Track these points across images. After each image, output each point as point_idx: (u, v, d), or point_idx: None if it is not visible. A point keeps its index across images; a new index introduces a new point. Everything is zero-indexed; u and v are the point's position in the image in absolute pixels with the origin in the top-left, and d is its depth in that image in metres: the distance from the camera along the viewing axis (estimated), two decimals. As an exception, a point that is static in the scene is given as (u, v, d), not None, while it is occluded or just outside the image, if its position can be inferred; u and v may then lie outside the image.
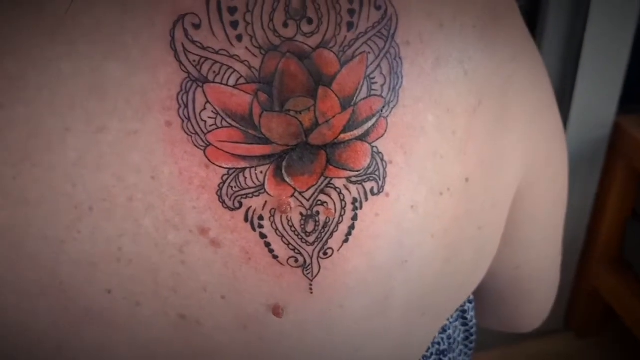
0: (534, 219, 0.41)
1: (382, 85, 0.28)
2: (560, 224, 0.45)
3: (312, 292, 0.31)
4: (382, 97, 0.28)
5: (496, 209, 0.36)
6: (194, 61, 0.27)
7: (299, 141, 0.28)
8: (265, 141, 0.28)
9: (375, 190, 0.30)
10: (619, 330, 1.55)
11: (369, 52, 0.28)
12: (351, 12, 0.28)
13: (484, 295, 0.48)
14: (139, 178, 0.27)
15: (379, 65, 0.28)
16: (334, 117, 0.28)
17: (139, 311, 0.30)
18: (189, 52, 0.27)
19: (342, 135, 0.28)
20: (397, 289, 0.33)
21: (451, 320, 0.50)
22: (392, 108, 0.29)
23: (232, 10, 0.27)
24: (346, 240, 0.30)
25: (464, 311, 0.52)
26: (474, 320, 0.54)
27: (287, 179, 0.28)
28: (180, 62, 0.27)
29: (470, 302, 0.53)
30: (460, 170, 0.32)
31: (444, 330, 0.49)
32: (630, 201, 1.47)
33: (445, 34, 0.30)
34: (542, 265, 0.46)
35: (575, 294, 1.60)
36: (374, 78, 0.28)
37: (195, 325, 0.31)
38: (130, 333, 0.31)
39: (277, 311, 0.31)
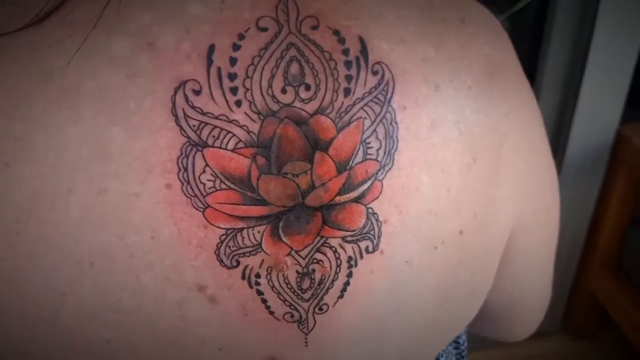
0: (526, 258, 0.41)
1: (377, 150, 0.29)
2: (551, 256, 0.46)
3: (307, 345, 0.31)
4: (378, 160, 0.29)
5: (488, 255, 0.36)
6: (194, 126, 0.27)
7: (296, 202, 0.28)
8: (263, 202, 0.28)
9: (370, 249, 0.30)
10: (615, 333, 1.56)
11: (365, 118, 0.28)
12: (348, 78, 0.28)
13: (479, 314, 0.50)
14: (139, 237, 0.28)
15: (375, 130, 0.29)
16: (330, 180, 0.28)
17: None
18: (189, 117, 0.27)
19: (337, 198, 0.29)
20: (391, 337, 0.34)
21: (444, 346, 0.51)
22: (387, 171, 0.29)
23: (232, 77, 0.27)
24: (341, 296, 0.31)
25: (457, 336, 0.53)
26: (466, 343, 0.55)
27: (284, 239, 0.29)
28: (181, 127, 0.27)
29: None
30: (455, 224, 0.32)
31: (436, 359, 0.50)
32: (631, 209, 1.47)
33: (441, 96, 0.30)
34: (533, 294, 0.47)
35: (573, 297, 1.60)
36: (369, 142, 0.29)
37: None
38: None
39: None
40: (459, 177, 0.31)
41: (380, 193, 0.29)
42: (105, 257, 0.28)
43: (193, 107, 0.27)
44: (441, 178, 0.31)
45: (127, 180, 0.27)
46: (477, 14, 0.33)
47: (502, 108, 0.33)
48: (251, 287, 0.29)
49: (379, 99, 0.29)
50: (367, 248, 0.30)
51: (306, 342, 0.31)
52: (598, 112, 1.34)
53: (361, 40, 0.29)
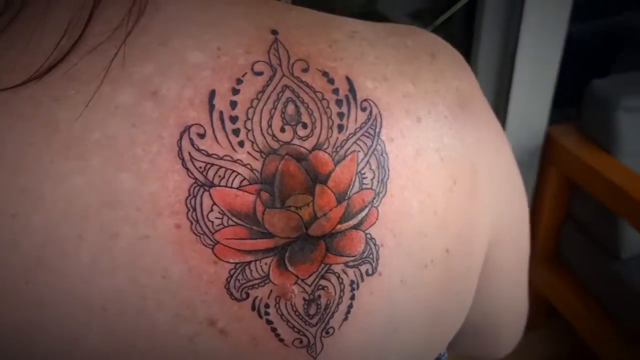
0: (501, 270, 0.44)
1: (372, 179, 0.31)
2: (525, 269, 0.48)
3: None
4: (373, 189, 0.31)
5: (470, 272, 0.38)
6: (200, 167, 0.28)
7: (300, 233, 0.30)
8: (269, 235, 0.30)
9: (370, 272, 0.32)
10: (562, 324, 1.63)
11: (359, 151, 0.30)
12: (340, 115, 0.30)
13: (459, 331, 0.52)
14: (151, 279, 0.29)
15: (368, 161, 0.31)
16: (330, 210, 0.30)
17: None
18: (195, 159, 0.28)
19: (338, 226, 0.30)
20: (390, 356, 0.35)
21: None
22: (382, 198, 0.31)
23: (234, 119, 0.29)
24: (345, 319, 0.32)
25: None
26: (446, 354, 0.57)
27: (290, 268, 0.30)
28: (188, 169, 0.28)
29: None
30: (442, 243, 0.34)
31: None
32: (564, 206, 1.55)
33: (422, 127, 0.32)
34: (509, 308, 0.49)
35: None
36: (364, 173, 0.30)
37: None
38: None
39: None
40: (443, 199, 0.34)
41: (377, 219, 0.31)
42: (117, 301, 0.29)
43: (199, 150, 0.28)
44: (428, 201, 0.33)
45: (137, 224, 0.28)
46: (444, 50, 0.36)
47: (474, 134, 0.36)
48: (261, 317, 0.31)
49: (369, 133, 0.31)
50: (367, 271, 0.32)
51: None
52: (527, 116, 1.42)
53: (348, 80, 0.31)
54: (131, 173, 0.28)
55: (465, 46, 1.37)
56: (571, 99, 1.56)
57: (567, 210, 1.56)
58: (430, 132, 0.33)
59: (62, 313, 0.28)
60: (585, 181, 1.43)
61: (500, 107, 1.38)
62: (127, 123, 0.28)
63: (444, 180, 0.33)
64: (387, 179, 0.31)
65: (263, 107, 0.29)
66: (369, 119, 0.31)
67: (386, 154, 0.31)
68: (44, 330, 0.29)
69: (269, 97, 0.29)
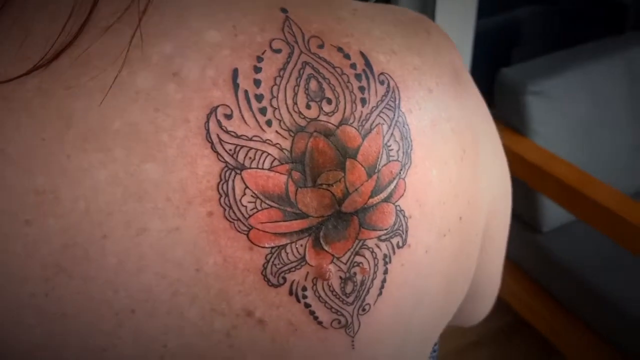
0: (492, 241, 0.45)
1: (397, 151, 0.30)
2: (505, 242, 0.50)
3: (354, 348, 0.32)
4: (399, 160, 0.31)
5: (477, 238, 0.39)
6: (230, 150, 0.27)
7: (333, 211, 0.29)
8: (303, 216, 0.29)
9: (400, 244, 0.31)
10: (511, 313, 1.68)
11: (383, 123, 0.30)
12: (362, 89, 0.30)
13: None
14: (182, 272, 0.27)
15: (392, 133, 0.30)
16: (362, 185, 0.29)
17: None
18: (225, 142, 0.27)
19: (370, 200, 0.30)
20: (414, 327, 0.35)
21: None
22: (407, 169, 0.31)
23: (259, 98, 0.28)
24: (380, 294, 0.31)
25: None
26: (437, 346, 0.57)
27: (326, 247, 0.29)
28: (218, 153, 0.27)
29: None
30: (457, 211, 0.34)
31: None
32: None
33: (434, 98, 0.33)
34: (491, 279, 0.50)
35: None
36: (390, 145, 0.30)
37: None
38: None
39: None
40: (455, 167, 0.34)
41: (405, 190, 0.31)
42: (146, 301, 0.27)
43: (227, 132, 0.27)
44: (445, 170, 0.33)
45: (166, 216, 0.27)
46: (435, 27, 0.36)
47: (470, 106, 0.36)
48: (299, 301, 0.30)
49: (390, 106, 0.30)
50: (397, 243, 0.31)
51: (353, 345, 0.32)
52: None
53: (362, 55, 0.30)
54: (157, 161, 0.26)
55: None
56: (481, 90, 1.63)
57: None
58: (440, 102, 0.33)
59: (87, 323, 0.26)
60: (505, 163, 1.50)
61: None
62: (149, 108, 0.26)
63: (454, 149, 0.34)
64: (411, 150, 0.31)
65: (286, 84, 0.28)
66: (388, 92, 0.31)
67: (407, 125, 0.31)
68: (66, 344, 0.26)
69: (290, 74, 0.28)
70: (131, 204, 0.26)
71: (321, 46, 0.30)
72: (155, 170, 0.26)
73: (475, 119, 0.37)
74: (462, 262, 0.37)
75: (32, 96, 0.26)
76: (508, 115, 1.57)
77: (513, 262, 1.65)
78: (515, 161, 1.45)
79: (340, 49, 0.30)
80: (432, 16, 1.33)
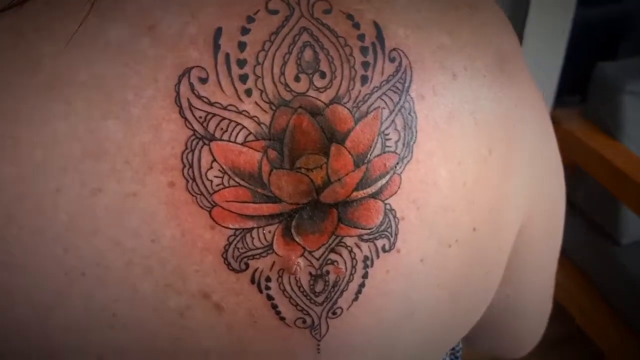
0: (532, 252, 0.39)
1: (396, 142, 0.26)
2: (555, 255, 0.44)
3: (319, 352, 0.29)
4: (397, 153, 0.26)
5: (500, 251, 0.34)
6: (200, 117, 0.24)
7: (310, 199, 0.26)
8: (275, 200, 0.25)
9: (387, 247, 0.28)
10: (556, 308, 1.61)
11: (384, 108, 0.26)
12: (365, 65, 0.26)
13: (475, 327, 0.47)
14: (138, 242, 0.25)
15: (393, 120, 0.26)
16: (346, 175, 0.26)
17: None
18: (195, 108, 0.24)
19: (354, 193, 0.26)
20: (404, 340, 0.31)
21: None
22: (406, 164, 0.27)
23: (241, 63, 0.24)
24: (356, 299, 0.28)
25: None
26: (461, 351, 0.53)
27: (297, 238, 0.26)
28: (186, 119, 0.24)
29: None
30: (469, 220, 0.30)
31: None
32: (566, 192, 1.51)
33: (458, 85, 0.28)
34: (534, 295, 0.45)
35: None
36: (388, 134, 0.26)
37: None
38: None
39: None
40: (475, 169, 0.29)
41: (399, 188, 0.27)
42: (98, 265, 0.25)
43: (199, 97, 0.24)
44: (458, 170, 0.29)
45: (124, 180, 0.24)
46: (486, 4, 0.31)
47: (512, 99, 0.31)
48: (261, 291, 0.27)
49: (397, 88, 0.26)
50: (383, 247, 0.28)
51: (318, 349, 0.29)
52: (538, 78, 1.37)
53: (376, 25, 0.26)
54: (120, 120, 0.24)
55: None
56: (576, 86, 1.52)
57: (567, 195, 1.52)
58: (466, 91, 0.28)
59: (36, 279, 0.25)
60: (588, 165, 1.39)
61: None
62: (118, 62, 0.24)
63: (477, 147, 0.29)
64: (414, 143, 0.27)
65: (276, 51, 0.25)
66: (397, 71, 0.26)
67: (414, 113, 0.27)
68: (14, 297, 0.25)
69: (283, 40, 0.25)
70: (88, 162, 0.24)
71: (328, 11, 0.26)
72: (116, 129, 0.24)
73: (516, 115, 0.32)
74: (474, 278, 0.33)
75: (5, 36, 0.24)
76: (600, 114, 1.44)
77: (582, 272, 1.55)
78: (600, 164, 1.34)
79: (350, 17, 0.26)
80: (526, 3, 1.23)
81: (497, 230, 0.32)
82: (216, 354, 0.27)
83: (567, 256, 1.56)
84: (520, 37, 1.26)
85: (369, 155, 0.26)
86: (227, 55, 0.24)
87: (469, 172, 0.29)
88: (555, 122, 1.41)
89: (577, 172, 1.48)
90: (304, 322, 0.28)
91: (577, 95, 1.52)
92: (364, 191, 0.26)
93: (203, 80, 0.24)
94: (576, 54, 1.42)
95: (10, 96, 0.23)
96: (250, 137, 0.25)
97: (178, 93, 0.24)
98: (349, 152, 0.26)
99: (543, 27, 1.28)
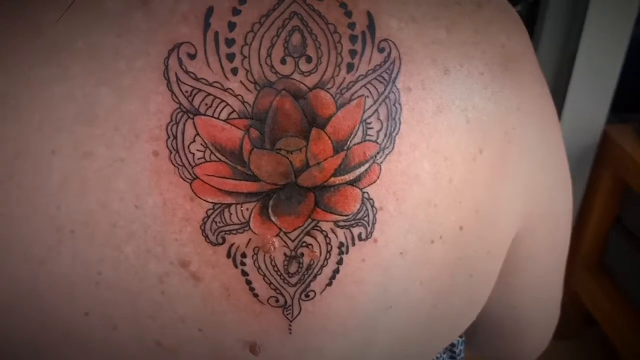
0: (533, 262, 0.39)
1: (378, 131, 0.27)
2: (561, 267, 0.42)
3: (291, 333, 0.29)
4: (378, 143, 0.27)
5: (490, 256, 0.34)
6: (187, 92, 0.25)
7: (288, 181, 0.26)
8: (254, 178, 0.26)
9: (364, 236, 0.28)
10: (598, 334, 1.55)
11: (368, 96, 0.26)
12: (353, 53, 0.26)
13: (480, 329, 0.46)
14: (123, 206, 0.26)
15: (377, 110, 0.26)
16: (325, 160, 0.26)
17: (116, 335, 0.28)
18: (182, 82, 0.25)
19: (332, 179, 0.26)
20: (381, 335, 0.31)
21: (439, 355, 0.49)
22: (387, 155, 0.27)
23: (230, 42, 0.25)
24: (329, 284, 0.28)
25: (453, 345, 0.50)
26: (463, 354, 0.52)
27: (273, 219, 0.27)
28: (173, 92, 0.25)
29: (460, 336, 0.51)
30: (455, 218, 0.30)
31: None
32: (615, 210, 1.45)
33: (450, 81, 0.28)
34: (540, 306, 0.44)
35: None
36: (370, 123, 0.26)
37: (172, 354, 0.29)
38: (106, 355, 0.29)
39: (254, 349, 0.29)
40: (463, 167, 0.29)
41: (378, 178, 0.27)
42: (86, 224, 0.26)
43: (187, 72, 0.25)
44: (443, 166, 0.28)
45: (113, 145, 0.25)
46: (496, 1, 0.31)
47: (513, 101, 0.31)
48: (236, 267, 0.27)
49: (383, 78, 0.26)
50: (360, 235, 0.28)
51: (290, 330, 0.29)
52: (585, 112, 1.32)
53: (369, 15, 0.26)
54: (112, 88, 0.25)
55: (528, 30, 1.28)
56: (633, 104, 1.45)
57: (617, 216, 1.46)
58: (458, 88, 0.28)
59: (31, 232, 0.26)
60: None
61: (557, 100, 1.30)
62: (112, 33, 0.25)
63: (467, 145, 0.29)
64: (397, 134, 0.27)
65: (265, 33, 0.25)
66: (385, 62, 0.26)
67: (400, 104, 0.27)
68: (11, 250, 0.26)
69: (273, 23, 0.25)
70: (81, 126, 0.25)
71: None
72: (108, 96, 0.25)
73: (517, 118, 0.31)
74: (460, 279, 0.32)
75: (13, 3, 0.25)
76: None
77: (627, 297, 1.48)
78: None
79: (343, 5, 0.26)
80: (582, 20, 1.19)
81: (485, 233, 0.32)
82: (192, 322, 0.28)
83: (611, 275, 1.50)
84: (575, 51, 1.22)
85: (349, 143, 0.26)
86: (217, 34, 0.25)
87: (457, 169, 0.29)
88: (609, 138, 1.36)
89: (628, 191, 1.42)
90: (277, 301, 0.28)
91: (633, 113, 1.45)
92: (342, 177, 0.27)
93: (192, 57, 0.25)
94: (633, 72, 1.36)
95: (15, 60, 0.25)
96: (234, 115, 0.25)
97: (167, 67, 0.25)
98: (329, 138, 0.26)
99: (599, 42, 1.23)
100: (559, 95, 1.29)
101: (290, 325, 0.29)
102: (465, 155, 0.29)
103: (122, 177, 0.26)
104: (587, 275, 1.51)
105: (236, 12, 0.25)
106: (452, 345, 0.50)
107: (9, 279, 0.27)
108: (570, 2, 1.22)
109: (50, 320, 0.28)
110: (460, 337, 0.50)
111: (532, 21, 1.27)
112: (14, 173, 0.25)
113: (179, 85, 0.25)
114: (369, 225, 0.28)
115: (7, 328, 0.28)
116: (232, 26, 0.25)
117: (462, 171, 0.29)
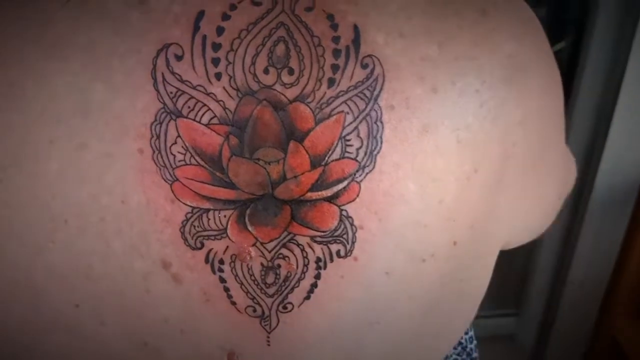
0: None
1: (357, 149, 0.26)
2: None
3: (269, 345, 0.29)
4: (357, 160, 0.26)
5: (482, 261, 0.32)
6: (171, 93, 0.25)
7: (265, 192, 0.26)
8: (231, 186, 0.26)
9: (342, 253, 0.27)
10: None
11: (348, 113, 0.25)
12: (334, 67, 0.25)
13: None
14: (111, 200, 0.27)
15: (356, 127, 0.26)
16: (302, 174, 0.26)
17: (103, 330, 0.29)
18: (168, 82, 0.25)
19: (309, 194, 0.26)
20: (368, 350, 0.30)
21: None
22: (368, 173, 0.26)
23: (216, 47, 0.25)
24: (307, 297, 0.28)
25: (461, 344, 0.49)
26: (475, 342, 0.51)
27: (250, 228, 0.26)
28: (158, 92, 0.25)
29: (466, 333, 0.50)
30: (448, 236, 0.29)
31: None
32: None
33: (439, 100, 0.27)
34: None
35: (594, 341, 1.52)
36: (349, 140, 0.26)
37: (156, 353, 0.30)
38: (95, 348, 0.30)
39: (231, 358, 0.29)
40: (455, 187, 0.28)
41: (357, 196, 0.26)
42: (78, 216, 0.27)
43: (172, 73, 0.25)
44: (431, 187, 0.27)
45: (104, 139, 0.26)
46: (505, 5, 0.29)
47: (515, 115, 0.29)
48: (214, 272, 0.27)
49: (364, 95, 0.26)
50: (338, 252, 0.27)
51: (268, 342, 0.29)
52: (628, 147, 1.26)
53: (355, 29, 0.26)
54: (105, 84, 0.26)
55: (569, 69, 1.24)
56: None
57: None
58: (449, 107, 0.27)
59: (28, 220, 0.27)
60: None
61: (600, 135, 1.25)
62: (110, 30, 0.26)
63: (458, 165, 0.28)
64: (378, 153, 0.26)
65: (251, 40, 0.25)
66: (367, 79, 0.26)
67: (381, 122, 0.26)
68: (9, 237, 0.27)
69: (259, 32, 0.25)
70: (77, 118, 0.26)
71: (309, 9, 0.26)
72: (102, 92, 0.26)
73: (518, 133, 0.29)
74: (450, 287, 0.31)
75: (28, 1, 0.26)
76: None
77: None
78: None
79: (330, 17, 0.26)
80: (626, 53, 1.14)
81: (479, 244, 0.31)
82: (175, 322, 0.29)
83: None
84: (619, 85, 1.17)
85: (326, 158, 0.26)
86: (204, 37, 0.25)
87: (448, 189, 0.28)
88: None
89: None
90: (254, 310, 0.28)
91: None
92: (319, 193, 0.26)
93: (178, 58, 0.25)
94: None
95: (24, 51, 0.26)
96: (215, 120, 0.25)
97: (155, 66, 0.25)
98: (307, 152, 0.25)
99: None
100: (600, 135, 1.25)
101: (269, 337, 0.29)
102: (458, 175, 0.28)
103: (111, 172, 0.26)
104: (626, 321, 1.44)
105: (225, 17, 0.25)
106: (461, 344, 0.49)
107: (7, 264, 0.28)
108: (612, 42, 1.18)
109: (43, 309, 0.29)
110: (466, 333, 0.49)
111: (573, 60, 1.24)
112: (16, 160, 0.26)
113: (164, 85, 0.25)
114: (347, 243, 0.27)
115: (2, 313, 0.29)
116: (220, 30, 0.25)
117: (454, 191, 0.28)
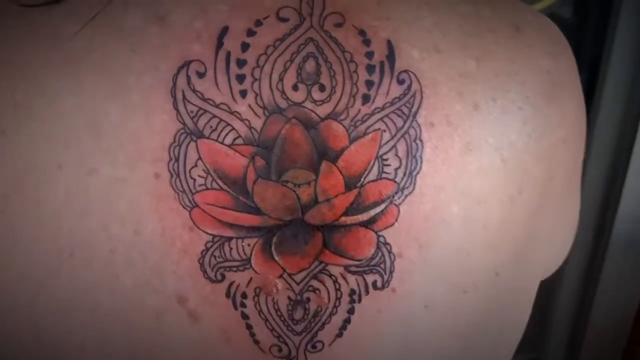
0: None
1: (396, 169, 0.24)
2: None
3: None
4: (395, 181, 0.24)
5: (524, 290, 0.30)
6: (192, 112, 0.23)
7: (294, 217, 0.24)
8: (257, 211, 0.24)
9: (379, 285, 0.25)
10: None
11: (385, 130, 0.24)
12: (369, 83, 0.24)
13: None
14: (123, 230, 0.24)
15: (394, 146, 0.24)
16: (336, 196, 0.24)
17: None
18: (188, 101, 0.23)
19: (343, 218, 0.24)
20: None
21: None
22: (407, 195, 0.24)
23: (241, 63, 0.23)
24: (340, 335, 0.25)
25: None
26: None
27: (276, 257, 0.24)
28: (178, 111, 0.23)
29: None
30: (491, 265, 0.27)
31: None
32: None
33: (480, 117, 0.25)
34: None
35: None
36: (387, 159, 0.24)
37: None
38: None
39: None
40: (499, 210, 0.26)
41: (396, 220, 0.24)
42: (86, 248, 0.25)
43: (194, 91, 0.23)
44: (477, 211, 0.25)
45: (116, 163, 0.24)
46: (534, 21, 0.28)
47: (559, 134, 0.27)
48: (236, 307, 0.25)
49: (402, 112, 0.24)
50: (374, 283, 0.25)
51: None
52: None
53: (389, 44, 0.24)
54: (119, 104, 0.24)
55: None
56: None
57: None
58: (490, 124, 0.25)
59: (31, 251, 0.25)
60: None
61: (619, 171, 1.22)
62: (126, 47, 0.24)
63: (503, 187, 0.26)
64: (418, 173, 0.24)
65: (278, 57, 0.24)
66: (404, 95, 0.24)
67: (421, 141, 0.24)
68: (10, 269, 0.25)
69: (287, 47, 0.24)
70: (87, 141, 0.24)
71: (339, 25, 0.24)
72: (116, 112, 0.24)
73: (562, 152, 0.28)
74: (494, 321, 0.29)
75: (38, 16, 0.25)
76: None
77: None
78: None
79: (362, 32, 0.24)
80: None
81: (522, 271, 0.29)
82: None
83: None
84: (636, 125, 1.15)
85: (362, 179, 0.24)
86: (228, 54, 0.23)
87: (492, 213, 0.26)
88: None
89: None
90: (280, 350, 0.25)
91: None
92: (354, 217, 0.24)
93: (200, 75, 0.23)
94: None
95: (31, 67, 0.24)
96: (239, 141, 0.23)
97: (175, 84, 0.24)
98: (341, 172, 0.23)
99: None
100: (621, 166, 1.22)
101: None
102: (502, 198, 0.26)
103: (123, 198, 0.24)
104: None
105: (251, 33, 0.24)
106: None
107: (7, 300, 0.26)
108: (630, 75, 1.17)
109: (44, 348, 0.26)
110: None
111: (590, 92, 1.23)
112: (21, 186, 0.24)
113: (184, 104, 0.23)
114: (385, 273, 0.25)
115: (3, 353, 0.27)
116: (245, 47, 0.24)
117: (497, 215, 0.26)
